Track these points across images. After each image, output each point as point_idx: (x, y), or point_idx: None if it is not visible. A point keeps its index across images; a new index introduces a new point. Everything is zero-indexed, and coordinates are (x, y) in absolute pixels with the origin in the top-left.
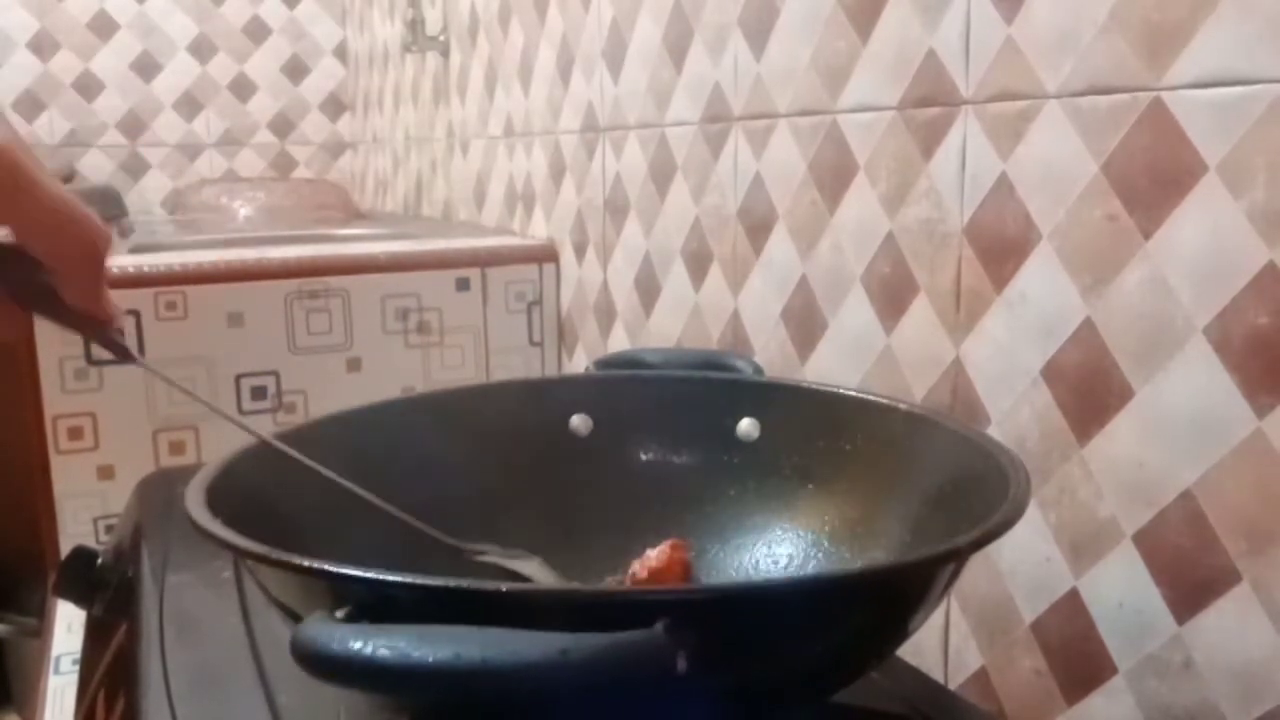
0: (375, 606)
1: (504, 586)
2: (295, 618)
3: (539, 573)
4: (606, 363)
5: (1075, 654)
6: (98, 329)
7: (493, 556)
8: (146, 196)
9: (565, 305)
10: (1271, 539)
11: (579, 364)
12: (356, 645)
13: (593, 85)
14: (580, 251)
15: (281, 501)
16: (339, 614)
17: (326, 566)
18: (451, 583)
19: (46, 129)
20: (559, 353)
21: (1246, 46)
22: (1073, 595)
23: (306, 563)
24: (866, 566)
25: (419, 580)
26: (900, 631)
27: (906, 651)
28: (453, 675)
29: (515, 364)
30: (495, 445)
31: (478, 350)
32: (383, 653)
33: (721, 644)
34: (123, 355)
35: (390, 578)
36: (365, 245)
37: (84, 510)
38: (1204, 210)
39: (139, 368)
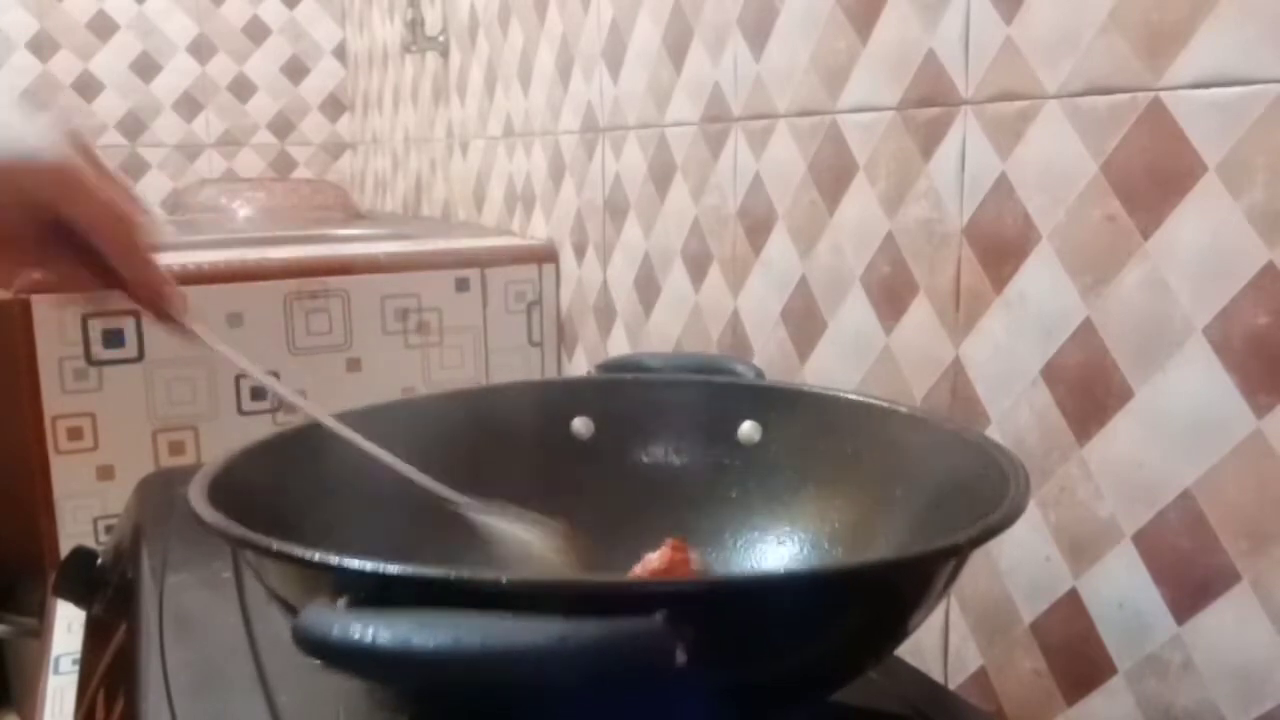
0: (376, 597)
1: (504, 577)
2: (296, 612)
3: (539, 541)
4: (608, 367)
5: (1075, 654)
6: (157, 303)
7: (496, 517)
8: (146, 197)
9: (565, 305)
10: (1271, 539)
11: (579, 364)
12: (357, 632)
13: (592, 85)
14: (580, 252)
15: (281, 502)
16: (340, 603)
17: (329, 558)
18: (451, 573)
19: None
20: (559, 353)
21: (1246, 46)
22: (1072, 595)
23: (309, 554)
24: (867, 561)
25: (420, 571)
26: (900, 630)
27: (906, 651)
28: (452, 661)
29: (515, 364)
30: (496, 447)
31: (477, 350)
32: (383, 639)
33: (721, 637)
34: (181, 331)
35: (391, 569)
36: (365, 245)
37: (84, 510)
38: (1204, 210)
39: (201, 344)
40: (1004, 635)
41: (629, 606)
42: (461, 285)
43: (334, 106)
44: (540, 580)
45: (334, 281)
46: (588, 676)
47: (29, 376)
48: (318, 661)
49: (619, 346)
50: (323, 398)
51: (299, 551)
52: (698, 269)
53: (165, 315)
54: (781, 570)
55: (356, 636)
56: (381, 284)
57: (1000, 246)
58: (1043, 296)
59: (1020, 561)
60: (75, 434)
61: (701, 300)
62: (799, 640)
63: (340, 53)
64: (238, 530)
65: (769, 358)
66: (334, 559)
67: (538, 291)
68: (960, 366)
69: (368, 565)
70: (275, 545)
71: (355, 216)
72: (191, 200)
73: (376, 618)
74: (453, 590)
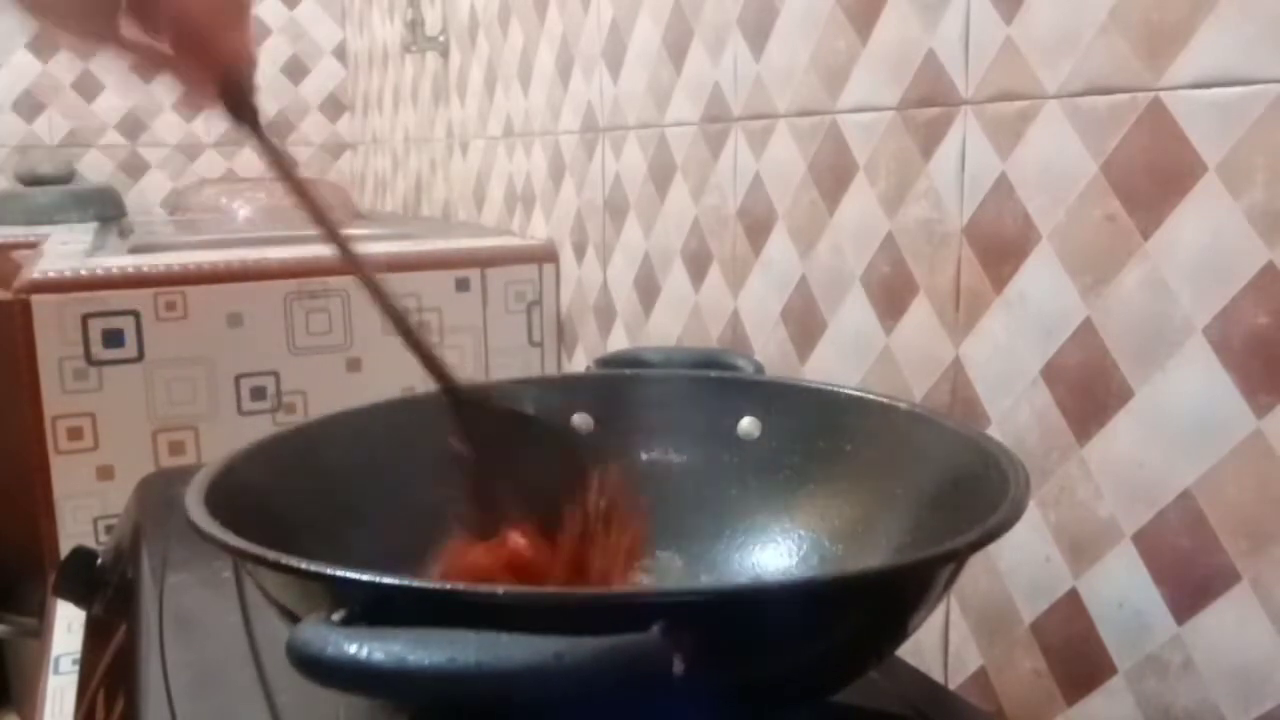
0: (373, 608)
1: (500, 589)
2: (294, 618)
3: None
4: (607, 361)
5: (1075, 654)
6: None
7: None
8: (146, 197)
9: (565, 305)
10: (1271, 539)
11: (579, 364)
12: (352, 649)
13: (592, 85)
14: (580, 251)
15: (281, 502)
16: (336, 616)
17: (324, 569)
18: (448, 585)
19: (46, 129)
20: (559, 353)
21: (1246, 46)
22: (1072, 595)
23: (304, 565)
24: (864, 569)
25: (416, 583)
26: (899, 633)
27: (906, 651)
28: (447, 679)
29: (515, 364)
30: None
31: (477, 350)
32: (378, 657)
33: (719, 646)
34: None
35: (387, 580)
36: (365, 245)
37: (84, 510)
38: (1204, 210)
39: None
40: (1004, 635)
41: (626, 619)
42: (461, 285)
43: (334, 106)
44: (537, 593)
45: (334, 281)
46: (585, 693)
47: (29, 376)
48: (313, 680)
49: (619, 346)
50: (323, 398)
51: (295, 562)
52: (698, 269)
53: (230, 91)
54: (779, 579)
55: (350, 654)
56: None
57: (1000, 246)
58: (1043, 296)
59: (1020, 562)
60: (75, 434)
61: (701, 300)
62: (798, 647)
63: (340, 53)
64: (234, 540)
65: (769, 357)
66: (329, 570)
67: (538, 291)
68: (960, 366)
69: (364, 577)
70: (271, 556)
71: (355, 216)
72: (191, 200)
73: (371, 636)
74: (451, 603)
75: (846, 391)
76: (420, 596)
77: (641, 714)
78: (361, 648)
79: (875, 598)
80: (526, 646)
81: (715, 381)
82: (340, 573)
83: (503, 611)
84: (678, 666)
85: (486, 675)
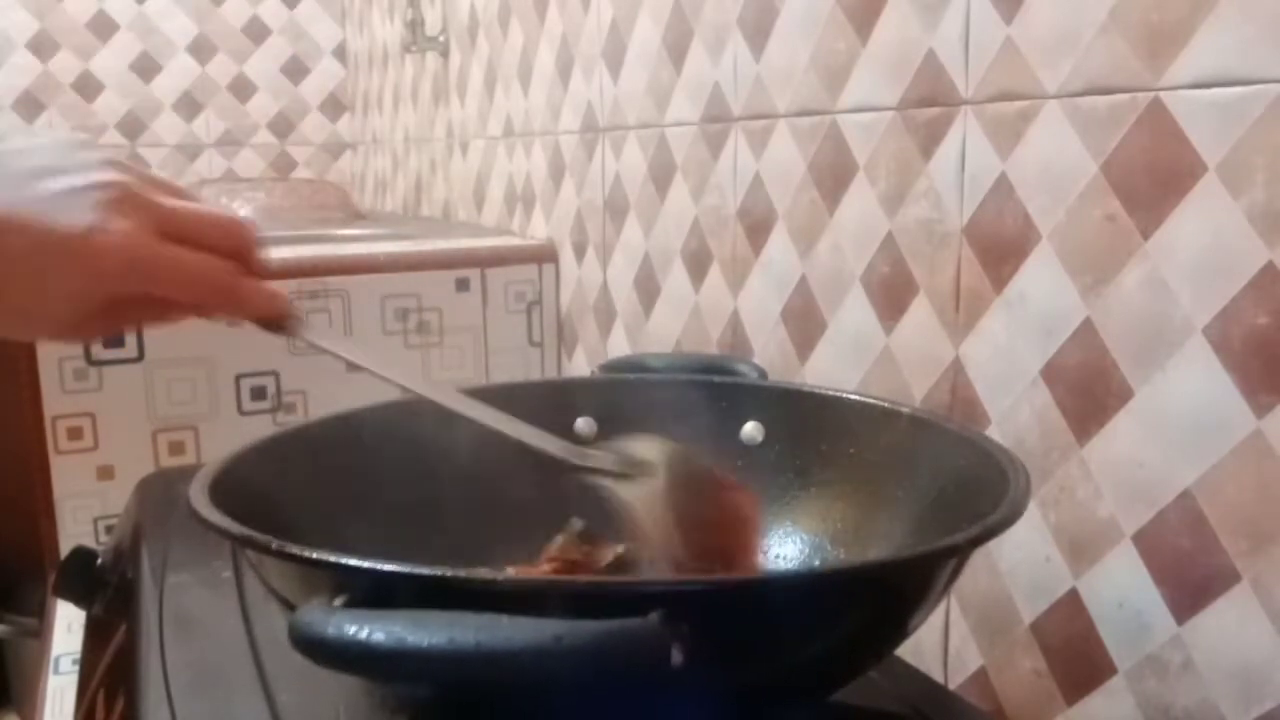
0: (373, 597)
1: (499, 576)
2: (295, 610)
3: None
4: (611, 367)
5: (1075, 654)
6: (265, 319)
7: (605, 470)
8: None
9: (565, 305)
10: (1271, 539)
11: (579, 364)
12: (353, 630)
13: (592, 85)
14: (580, 252)
15: (282, 500)
16: (337, 601)
17: (327, 556)
18: (448, 572)
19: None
20: (559, 353)
21: (1246, 46)
22: (1072, 595)
23: (307, 553)
24: (866, 561)
25: (416, 570)
26: (899, 630)
27: (906, 651)
28: (446, 660)
29: (515, 364)
30: (498, 448)
31: (477, 351)
32: (378, 637)
33: (718, 637)
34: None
35: (388, 567)
36: (365, 245)
37: (84, 510)
38: (1203, 210)
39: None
40: (1004, 635)
41: (625, 606)
42: (461, 285)
43: (334, 106)
44: (535, 580)
45: (334, 281)
46: (583, 676)
47: (29, 376)
48: (315, 662)
49: (619, 346)
50: (323, 398)
51: (297, 550)
52: (698, 269)
53: (275, 328)
54: (779, 570)
55: (351, 635)
56: (381, 284)
57: (1000, 246)
58: (1043, 296)
59: (1020, 561)
60: (75, 434)
61: (701, 300)
62: (798, 641)
63: (340, 53)
64: (238, 529)
65: (769, 358)
66: (331, 557)
67: (538, 291)
68: (960, 366)
69: (365, 564)
70: (275, 544)
71: (355, 216)
72: None
73: (371, 617)
74: (449, 589)
75: (849, 396)
76: (420, 583)
77: (642, 707)
78: (362, 628)
79: (876, 592)
80: (526, 629)
81: (718, 386)
82: (342, 559)
83: (502, 598)
84: (676, 657)
85: (485, 656)
